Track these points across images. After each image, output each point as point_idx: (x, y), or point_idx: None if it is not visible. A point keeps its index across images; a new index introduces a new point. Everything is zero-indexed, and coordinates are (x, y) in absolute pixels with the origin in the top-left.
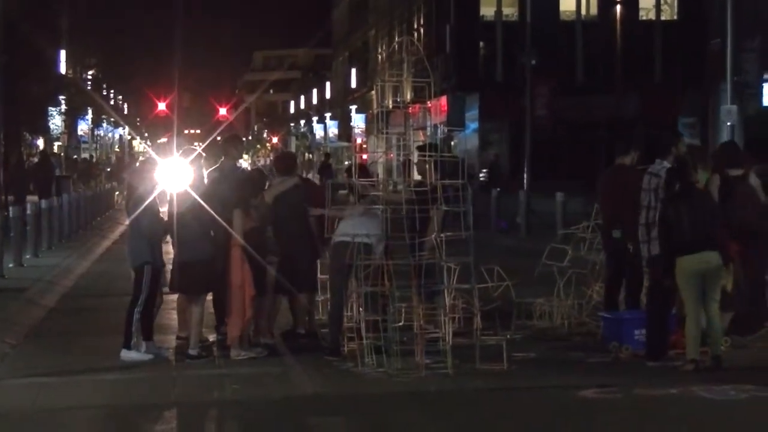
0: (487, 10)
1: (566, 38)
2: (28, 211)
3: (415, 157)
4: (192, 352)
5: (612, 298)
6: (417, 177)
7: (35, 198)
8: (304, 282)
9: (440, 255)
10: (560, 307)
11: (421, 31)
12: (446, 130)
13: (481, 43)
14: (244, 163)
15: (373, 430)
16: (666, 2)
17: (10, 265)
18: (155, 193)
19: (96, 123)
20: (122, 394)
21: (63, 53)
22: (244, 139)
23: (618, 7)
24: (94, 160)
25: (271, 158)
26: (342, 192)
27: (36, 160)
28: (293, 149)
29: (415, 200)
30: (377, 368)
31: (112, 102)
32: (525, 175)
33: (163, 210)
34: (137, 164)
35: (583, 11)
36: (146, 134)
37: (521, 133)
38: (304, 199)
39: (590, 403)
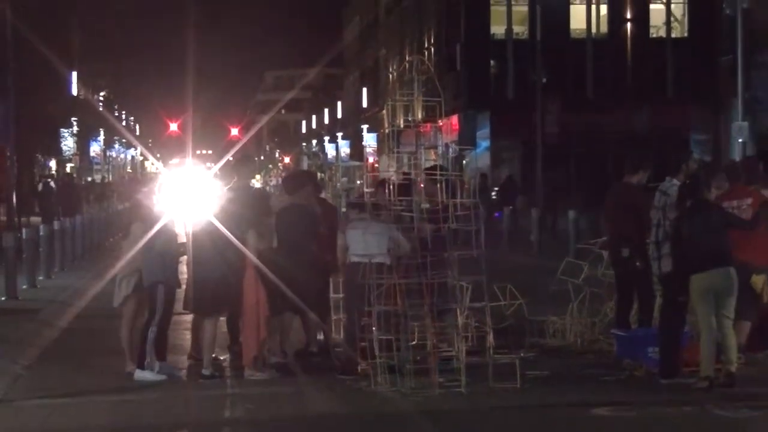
0: (498, 29)
1: (577, 56)
2: (41, 233)
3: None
4: (205, 371)
5: (624, 315)
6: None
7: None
8: (313, 301)
9: (453, 274)
10: (573, 325)
11: (432, 50)
12: (458, 149)
13: (492, 62)
14: (257, 183)
15: None
16: (676, 19)
17: (24, 287)
18: (170, 214)
19: (108, 144)
20: (134, 415)
21: (74, 75)
22: (256, 159)
23: (628, 25)
24: (107, 181)
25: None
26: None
27: (50, 181)
28: (305, 168)
29: (427, 219)
30: (390, 387)
31: (123, 123)
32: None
33: (179, 231)
34: (155, 185)
35: (594, 29)
36: (158, 155)
37: (533, 150)
38: (308, 219)
39: (604, 421)
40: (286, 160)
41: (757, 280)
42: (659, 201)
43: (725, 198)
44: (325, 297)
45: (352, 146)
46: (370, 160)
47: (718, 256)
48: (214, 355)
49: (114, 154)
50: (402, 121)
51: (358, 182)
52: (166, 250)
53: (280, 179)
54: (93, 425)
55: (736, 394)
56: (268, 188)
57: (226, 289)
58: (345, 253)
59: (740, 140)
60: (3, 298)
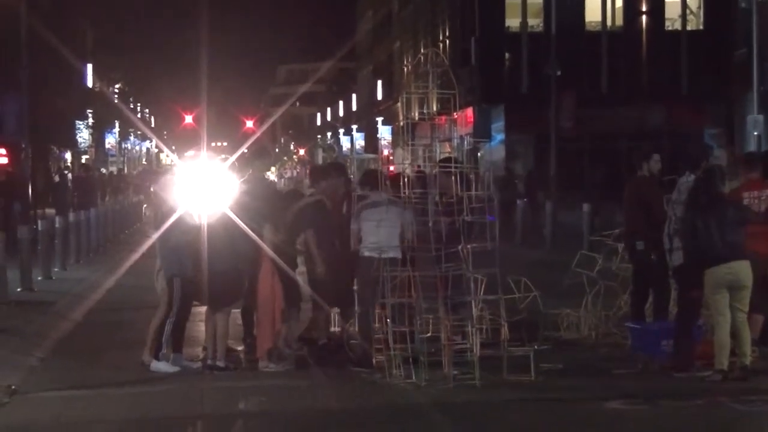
0: (513, 22)
1: (592, 49)
2: (57, 225)
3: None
4: (219, 363)
5: (638, 308)
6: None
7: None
8: (327, 294)
9: (467, 266)
10: (587, 318)
11: (447, 42)
12: (472, 142)
13: (507, 55)
14: (271, 175)
15: None
16: (692, 12)
17: (39, 279)
18: (185, 206)
19: (123, 136)
20: (149, 407)
21: (90, 67)
22: (271, 151)
23: (644, 18)
24: (123, 173)
25: (298, 169)
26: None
27: (67, 173)
28: (320, 161)
29: (441, 212)
30: (405, 379)
31: (138, 115)
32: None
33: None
34: (167, 176)
35: (609, 22)
36: (173, 147)
37: (547, 144)
38: (313, 214)
39: (617, 414)
40: (301, 152)
41: None
42: (674, 195)
43: (744, 189)
44: (350, 290)
45: (366, 139)
46: (385, 152)
47: (732, 249)
48: (228, 347)
49: (129, 146)
50: (417, 114)
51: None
52: (181, 243)
53: (295, 172)
54: (108, 417)
55: (750, 388)
56: (283, 180)
57: (239, 282)
58: (357, 240)
59: (755, 133)
60: (18, 290)
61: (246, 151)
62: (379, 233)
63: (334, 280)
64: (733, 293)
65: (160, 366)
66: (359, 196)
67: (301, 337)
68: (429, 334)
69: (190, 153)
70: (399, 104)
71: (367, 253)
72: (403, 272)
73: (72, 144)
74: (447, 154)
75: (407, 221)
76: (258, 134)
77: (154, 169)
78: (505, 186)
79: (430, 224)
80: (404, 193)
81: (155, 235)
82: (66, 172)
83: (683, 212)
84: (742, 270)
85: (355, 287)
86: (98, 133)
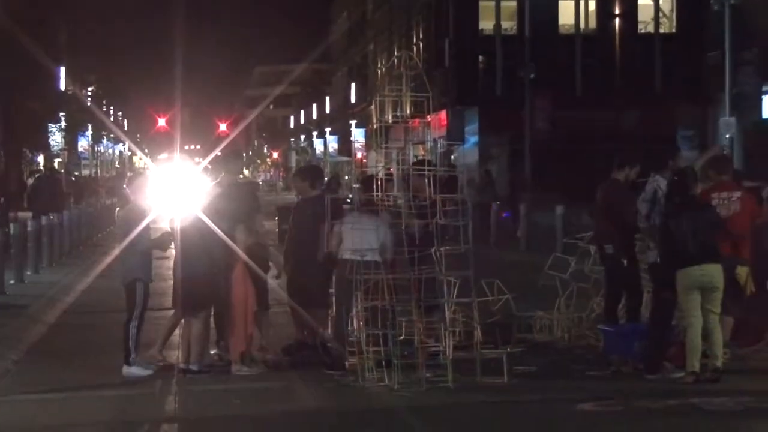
0: (486, 24)
1: (565, 51)
2: (29, 228)
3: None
4: (193, 367)
5: (611, 311)
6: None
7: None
8: (303, 297)
9: (440, 269)
10: (560, 320)
11: (421, 45)
12: (446, 144)
13: (481, 57)
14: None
15: None
16: (665, 15)
17: (11, 282)
18: (148, 208)
19: (96, 139)
20: (123, 410)
21: (63, 70)
22: (244, 154)
23: (617, 21)
24: (94, 176)
25: (272, 172)
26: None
27: (39, 176)
28: (293, 164)
29: (415, 214)
30: (378, 382)
31: (112, 118)
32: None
33: (162, 226)
34: (136, 177)
35: (582, 24)
36: (146, 150)
37: (521, 146)
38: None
39: (590, 416)
40: (275, 155)
41: (742, 272)
42: (641, 194)
43: (714, 190)
44: (324, 292)
45: (340, 142)
46: (359, 155)
47: (705, 251)
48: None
49: (102, 149)
50: (390, 117)
51: (346, 177)
52: (147, 249)
53: (269, 175)
54: (82, 420)
55: (721, 389)
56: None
57: (214, 286)
58: (336, 242)
59: (727, 135)
60: None
61: (219, 153)
62: (353, 236)
63: (306, 281)
64: (705, 295)
65: (132, 370)
66: (332, 198)
67: (288, 345)
68: (402, 337)
69: (163, 156)
70: (373, 107)
71: (347, 255)
72: (377, 275)
73: (44, 147)
74: (421, 157)
75: (382, 237)
76: (232, 137)
77: (125, 172)
78: (483, 188)
79: (403, 227)
80: (376, 195)
81: (127, 239)
82: (39, 175)
83: (647, 209)
84: (715, 272)
85: (331, 289)
86: (71, 135)
